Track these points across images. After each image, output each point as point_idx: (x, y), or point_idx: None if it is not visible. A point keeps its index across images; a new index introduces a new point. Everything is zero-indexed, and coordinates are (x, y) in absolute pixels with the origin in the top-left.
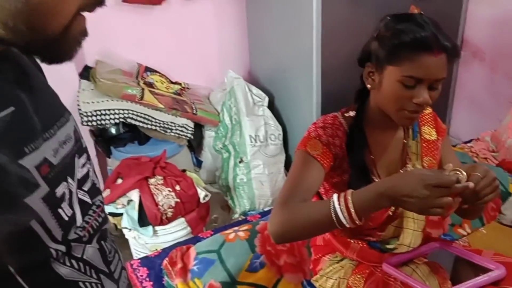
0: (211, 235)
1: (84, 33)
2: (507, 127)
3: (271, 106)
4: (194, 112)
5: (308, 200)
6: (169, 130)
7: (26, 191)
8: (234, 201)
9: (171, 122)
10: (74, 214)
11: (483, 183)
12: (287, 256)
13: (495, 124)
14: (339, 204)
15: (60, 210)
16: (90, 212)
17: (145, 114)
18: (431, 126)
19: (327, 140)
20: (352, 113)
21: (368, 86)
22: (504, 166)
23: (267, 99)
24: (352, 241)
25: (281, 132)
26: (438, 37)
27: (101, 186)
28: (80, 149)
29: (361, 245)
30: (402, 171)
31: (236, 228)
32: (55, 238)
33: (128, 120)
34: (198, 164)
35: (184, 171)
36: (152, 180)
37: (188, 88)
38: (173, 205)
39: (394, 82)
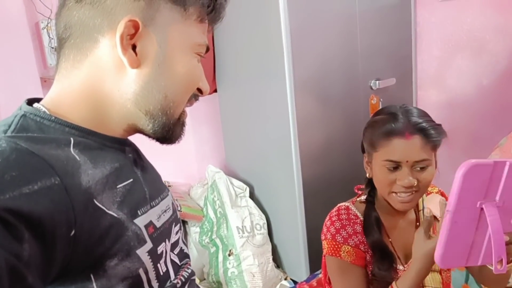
0: None
1: (185, 121)
2: None
3: (252, 197)
4: (179, 209)
5: None
6: None
7: (138, 245)
8: None
9: None
10: (168, 271)
11: None
12: None
13: None
14: None
15: (158, 265)
16: (180, 269)
17: None
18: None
19: (354, 242)
20: (363, 198)
21: (367, 174)
22: None
23: (248, 189)
24: None
25: (265, 221)
26: (410, 121)
27: None
28: (175, 219)
29: None
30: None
31: None
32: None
33: None
34: None
35: None
36: None
37: (169, 186)
38: None
39: (379, 168)
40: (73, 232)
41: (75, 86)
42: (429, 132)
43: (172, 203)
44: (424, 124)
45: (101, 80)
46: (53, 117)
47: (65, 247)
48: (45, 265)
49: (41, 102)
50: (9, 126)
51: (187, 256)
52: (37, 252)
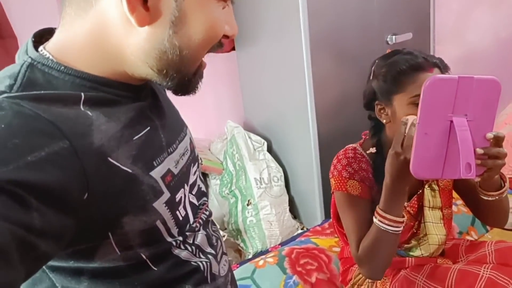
0: (237, 268)
1: (202, 73)
2: None
3: (269, 150)
4: (200, 162)
5: None
6: None
7: (154, 197)
8: (246, 243)
9: None
10: (187, 214)
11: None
12: (317, 273)
13: None
14: (381, 222)
15: (177, 212)
16: (199, 211)
17: None
18: None
19: (360, 177)
20: (372, 150)
21: (384, 121)
22: None
23: (266, 144)
24: None
25: (282, 174)
26: (427, 58)
27: None
28: (194, 159)
29: None
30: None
31: (263, 256)
32: (172, 235)
33: None
34: None
35: None
36: None
37: None
38: None
39: (405, 106)
40: (86, 195)
41: (79, 38)
42: (442, 65)
43: (190, 142)
44: (435, 60)
45: (109, 35)
46: (63, 67)
47: (78, 211)
48: (59, 230)
49: (47, 48)
50: (15, 80)
51: (204, 194)
52: (50, 218)
